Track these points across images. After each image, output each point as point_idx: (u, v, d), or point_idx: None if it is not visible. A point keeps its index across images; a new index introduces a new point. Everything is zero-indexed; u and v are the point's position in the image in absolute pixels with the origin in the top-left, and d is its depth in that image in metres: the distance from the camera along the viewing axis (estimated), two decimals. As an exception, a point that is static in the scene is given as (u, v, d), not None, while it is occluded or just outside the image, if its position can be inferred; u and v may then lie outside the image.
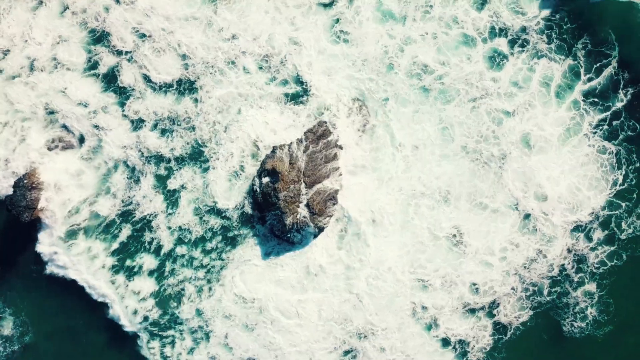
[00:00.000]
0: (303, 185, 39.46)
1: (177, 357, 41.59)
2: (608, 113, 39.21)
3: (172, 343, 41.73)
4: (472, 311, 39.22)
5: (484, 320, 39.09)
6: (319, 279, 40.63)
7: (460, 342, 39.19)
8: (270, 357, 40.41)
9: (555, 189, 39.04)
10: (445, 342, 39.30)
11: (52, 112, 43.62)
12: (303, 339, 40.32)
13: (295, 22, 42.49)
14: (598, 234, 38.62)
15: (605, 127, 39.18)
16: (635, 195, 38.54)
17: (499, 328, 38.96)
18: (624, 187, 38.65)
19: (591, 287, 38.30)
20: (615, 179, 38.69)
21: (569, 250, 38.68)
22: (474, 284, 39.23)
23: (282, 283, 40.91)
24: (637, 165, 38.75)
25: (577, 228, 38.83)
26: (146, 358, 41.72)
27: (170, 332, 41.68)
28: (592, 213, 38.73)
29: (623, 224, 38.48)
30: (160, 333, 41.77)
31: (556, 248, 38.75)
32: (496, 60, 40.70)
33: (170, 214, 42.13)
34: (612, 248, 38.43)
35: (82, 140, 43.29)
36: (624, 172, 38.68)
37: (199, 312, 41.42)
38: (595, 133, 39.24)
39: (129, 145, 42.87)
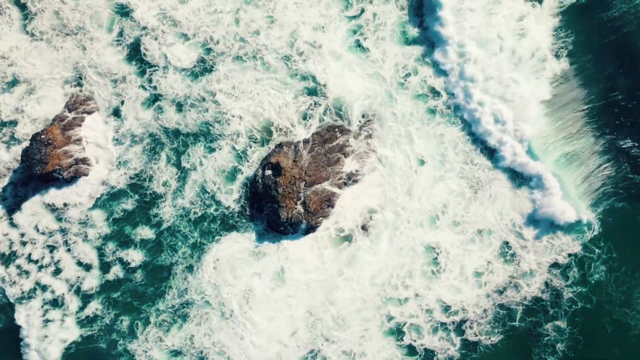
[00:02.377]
0: (303, 183, 40.60)
1: (145, 336, 42.33)
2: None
3: (147, 320, 42.57)
4: (443, 324, 40.04)
5: (452, 335, 39.86)
6: (298, 277, 41.38)
7: (426, 350, 39.96)
8: (239, 349, 41.07)
9: (534, 230, 40.22)
10: (412, 351, 40.16)
11: (78, 76, 44.91)
12: (273, 334, 40.99)
13: (318, 27, 43.65)
14: (574, 273, 39.46)
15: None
16: (602, 243, 39.38)
17: (469, 345, 39.70)
18: (596, 234, 39.46)
19: (562, 323, 39.03)
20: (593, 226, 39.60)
21: (546, 284, 39.51)
22: (445, 303, 40.06)
23: (262, 276, 41.61)
24: (602, 216, 39.60)
25: (555, 265, 39.72)
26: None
27: (148, 309, 42.59)
28: (571, 255, 39.60)
29: (593, 268, 39.35)
30: (139, 307, 42.77)
31: (533, 281, 39.68)
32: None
33: (175, 190, 43.17)
34: (584, 289, 39.27)
35: (104, 105, 44.46)
36: (598, 221, 39.57)
37: (180, 294, 42.35)
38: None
39: (147, 117, 43.99)
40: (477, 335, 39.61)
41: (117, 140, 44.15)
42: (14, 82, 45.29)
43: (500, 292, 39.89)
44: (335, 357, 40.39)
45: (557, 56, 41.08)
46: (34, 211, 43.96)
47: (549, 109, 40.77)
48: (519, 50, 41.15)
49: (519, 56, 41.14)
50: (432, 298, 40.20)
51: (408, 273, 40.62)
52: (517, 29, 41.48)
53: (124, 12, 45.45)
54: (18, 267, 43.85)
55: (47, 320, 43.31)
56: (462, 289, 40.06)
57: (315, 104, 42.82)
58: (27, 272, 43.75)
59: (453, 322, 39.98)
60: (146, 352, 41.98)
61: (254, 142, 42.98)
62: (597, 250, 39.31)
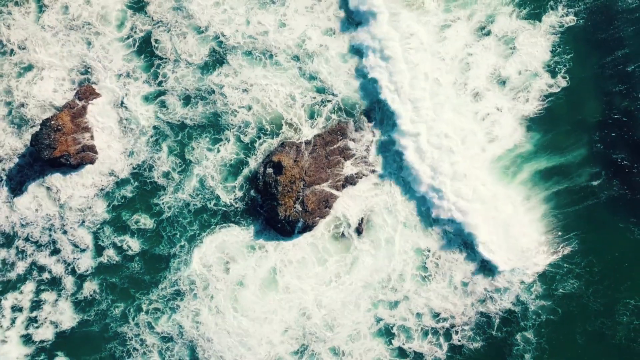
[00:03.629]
0: (302, 183, 41.45)
1: (135, 323, 43.09)
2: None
3: (139, 308, 43.38)
4: (433, 328, 40.88)
5: (441, 339, 40.71)
6: (292, 275, 42.07)
7: (415, 353, 40.78)
8: (228, 344, 41.81)
9: (501, 252, 40.96)
10: (402, 353, 41.06)
11: (85, 67, 45.63)
12: (263, 331, 41.63)
13: (328, 31, 44.42)
14: (537, 288, 40.28)
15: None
16: (577, 259, 40.31)
17: (454, 348, 40.58)
18: (567, 252, 40.45)
19: (529, 335, 39.95)
20: (566, 240, 40.71)
21: (517, 298, 40.38)
22: (434, 309, 40.96)
23: (255, 272, 42.32)
24: (583, 231, 40.72)
25: (523, 282, 40.55)
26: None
27: (142, 296, 43.36)
28: (537, 273, 40.39)
29: (559, 283, 40.22)
30: (134, 294, 43.54)
31: (506, 296, 40.54)
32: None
33: (177, 183, 43.88)
34: (549, 302, 40.15)
35: (113, 96, 45.14)
36: (570, 236, 40.73)
37: (172, 284, 43.16)
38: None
39: (154, 109, 44.64)
40: (460, 341, 40.53)
41: (124, 130, 44.76)
42: (26, 69, 45.94)
43: (482, 302, 40.79)
44: (324, 353, 41.23)
45: (552, 72, 41.97)
46: (37, 194, 44.66)
47: (535, 124, 41.86)
48: (505, 70, 42.27)
49: (507, 74, 42.24)
50: (421, 303, 41.03)
51: (400, 276, 41.49)
52: (509, 46, 42.55)
53: (138, 7, 46.19)
54: (16, 247, 44.68)
55: (40, 302, 44.14)
56: (450, 297, 40.96)
57: (323, 101, 43.58)
58: (23, 252, 44.58)
59: (442, 327, 40.84)
60: (138, 335, 42.76)
61: (264, 134, 43.63)
62: (565, 266, 40.21)
